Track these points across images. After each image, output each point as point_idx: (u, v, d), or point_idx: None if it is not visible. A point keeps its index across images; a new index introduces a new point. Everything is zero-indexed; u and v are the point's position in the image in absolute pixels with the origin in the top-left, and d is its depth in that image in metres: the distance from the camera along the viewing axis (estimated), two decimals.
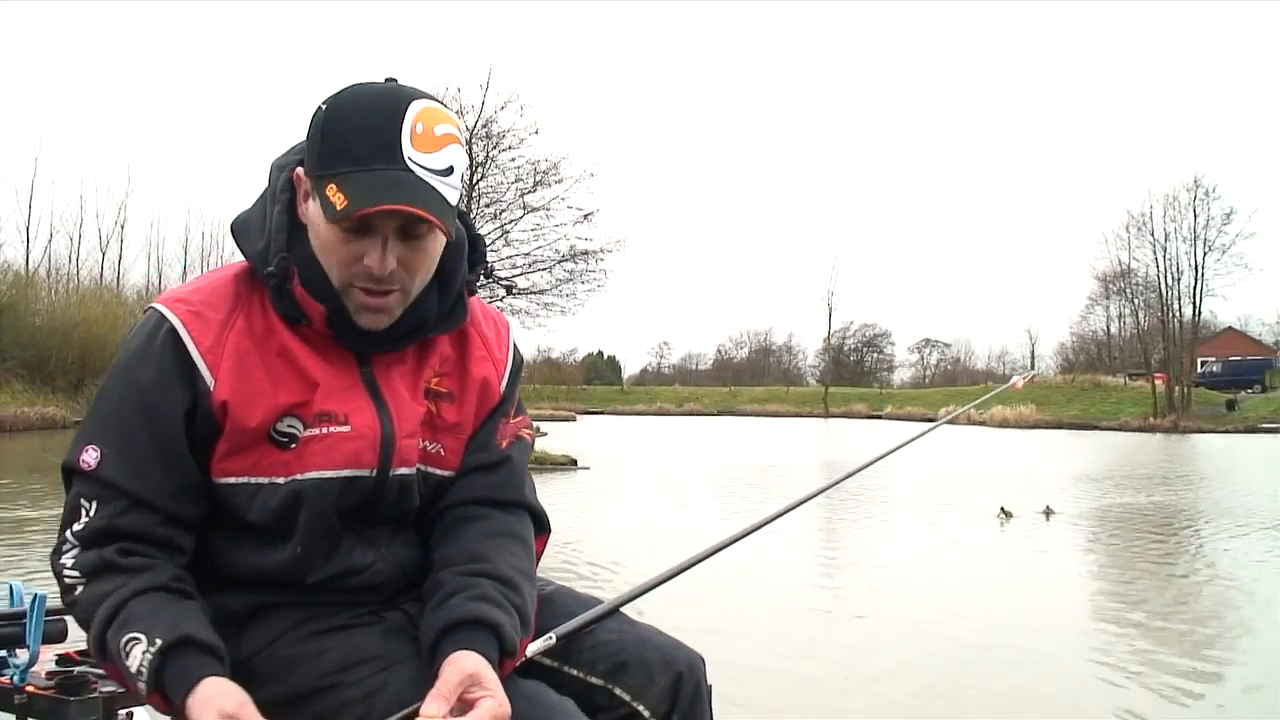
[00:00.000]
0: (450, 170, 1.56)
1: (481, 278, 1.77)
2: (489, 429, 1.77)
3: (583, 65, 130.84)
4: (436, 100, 1.59)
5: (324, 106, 1.57)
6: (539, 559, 1.79)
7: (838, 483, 2.58)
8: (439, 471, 1.73)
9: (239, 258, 1.72)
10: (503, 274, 25.37)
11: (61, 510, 1.62)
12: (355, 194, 1.51)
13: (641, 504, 17.15)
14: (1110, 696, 5.68)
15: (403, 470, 1.67)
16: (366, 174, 1.51)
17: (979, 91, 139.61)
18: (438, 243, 1.62)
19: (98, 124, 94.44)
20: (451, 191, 1.57)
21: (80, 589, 1.57)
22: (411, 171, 1.52)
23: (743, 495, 17.66)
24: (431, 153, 1.54)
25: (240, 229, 1.70)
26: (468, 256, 1.73)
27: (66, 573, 1.58)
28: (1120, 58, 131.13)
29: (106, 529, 1.57)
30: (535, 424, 1.90)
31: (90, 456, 1.59)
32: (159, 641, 1.47)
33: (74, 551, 1.58)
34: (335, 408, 1.63)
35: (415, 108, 1.54)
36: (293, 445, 1.61)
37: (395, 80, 1.60)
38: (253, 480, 1.61)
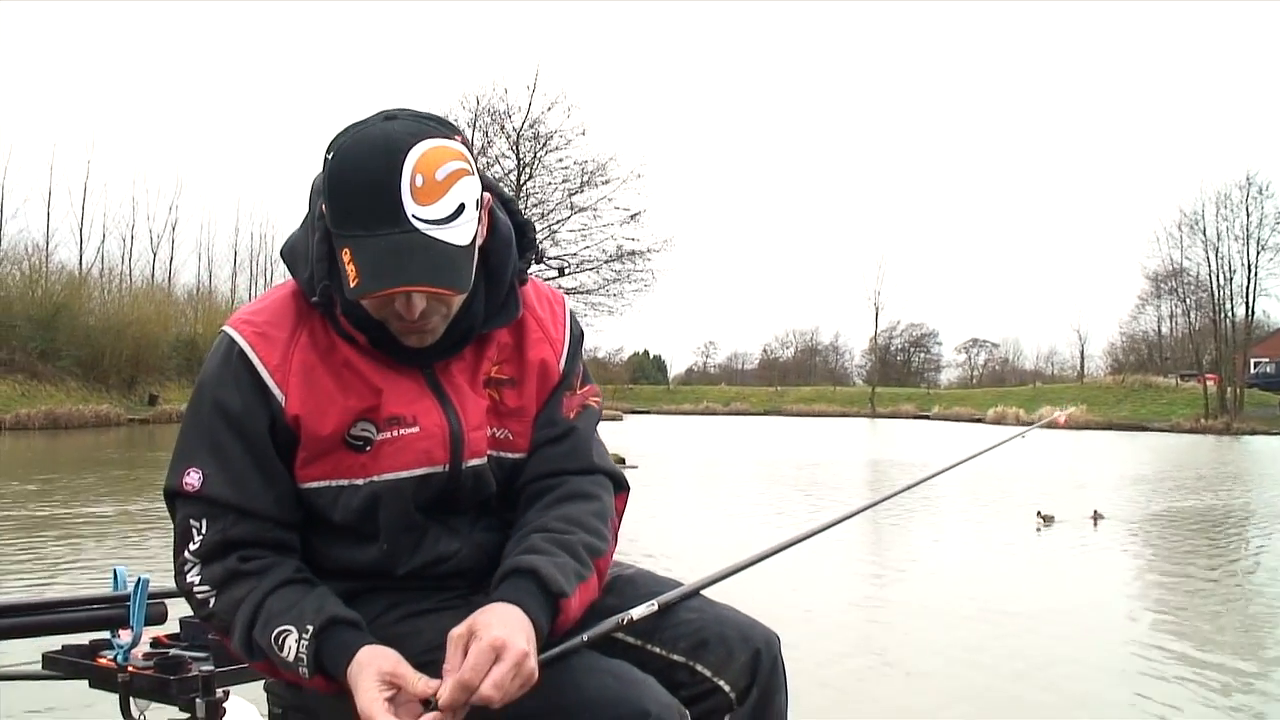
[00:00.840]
0: (459, 210, 1.56)
1: (532, 263, 1.80)
2: (553, 405, 1.81)
3: (630, 65, 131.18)
4: (436, 131, 1.58)
5: (329, 157, 1.58)
6: (620, 516, 1.83)
7: (922, 481, 2.64)
8: (510, 455, 1.78)
9: None
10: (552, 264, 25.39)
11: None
12: (364, 270, 1.54)
13: (692, 500, 17.22)
14: None
15: (474, 462, 1.72)
16: (373, 241, 1.53)
17: (1029, 89, 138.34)
18: None
19: (149, 126, 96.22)
20: (462, 231, 1.57)
21: (214, 601, 1.64)
22: (416, 230, 1.53)
23: (784, 494, 17.62)
24: (434, 202, 1.54)
25: (289, 256, 1.75)
26: (516, 244, 1.76)
27: (197, 589, 1.65)
28: (1172, 54, 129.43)
29: (222, 542, 1.64)
30: None
31: (193, 479, 1.65)
32: (310, 628, 1.56)
33: (196, 568, 1.65)
34: (403, 411, 1.68)
35: (413, 157, 1.54)
36: (368, 448, 1.67)
37: (395, 117, 1.59)
38: (333, 483, 1.68)
